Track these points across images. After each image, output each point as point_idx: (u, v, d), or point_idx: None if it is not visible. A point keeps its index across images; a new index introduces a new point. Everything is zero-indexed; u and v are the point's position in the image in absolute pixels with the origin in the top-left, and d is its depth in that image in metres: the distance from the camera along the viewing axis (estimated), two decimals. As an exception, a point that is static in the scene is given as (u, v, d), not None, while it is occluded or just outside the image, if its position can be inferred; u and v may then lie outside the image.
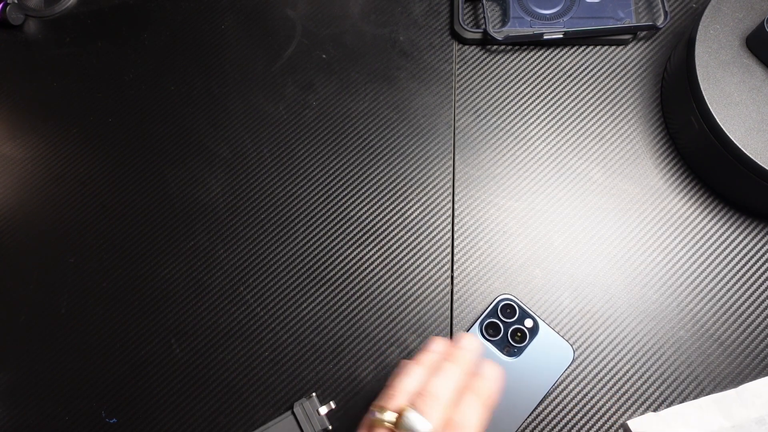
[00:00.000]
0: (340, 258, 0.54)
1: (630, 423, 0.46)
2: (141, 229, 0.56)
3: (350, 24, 0.61)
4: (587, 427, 0.48)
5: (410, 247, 0.54)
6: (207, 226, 0.56)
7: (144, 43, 0.62)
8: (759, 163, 0.46)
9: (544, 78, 0.58)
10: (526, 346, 0.48)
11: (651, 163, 0.55)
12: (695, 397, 0.48)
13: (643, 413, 0.48)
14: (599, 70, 0.58)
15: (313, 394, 0.50)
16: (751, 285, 0.51)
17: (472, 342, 0.39)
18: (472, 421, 0.34)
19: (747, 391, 0.47)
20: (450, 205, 0.55)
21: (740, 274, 0.51)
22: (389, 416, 0.35)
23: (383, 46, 0.60)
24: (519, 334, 0.49)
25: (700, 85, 0.48)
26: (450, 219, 0.54)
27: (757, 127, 0.47)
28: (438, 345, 0.40)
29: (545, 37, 0.56)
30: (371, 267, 0.54)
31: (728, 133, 0.47)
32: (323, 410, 0.49)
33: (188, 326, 0.53)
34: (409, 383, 0.37)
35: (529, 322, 0.49)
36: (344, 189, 0.56)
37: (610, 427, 0.48)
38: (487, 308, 0.50)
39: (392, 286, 0.53)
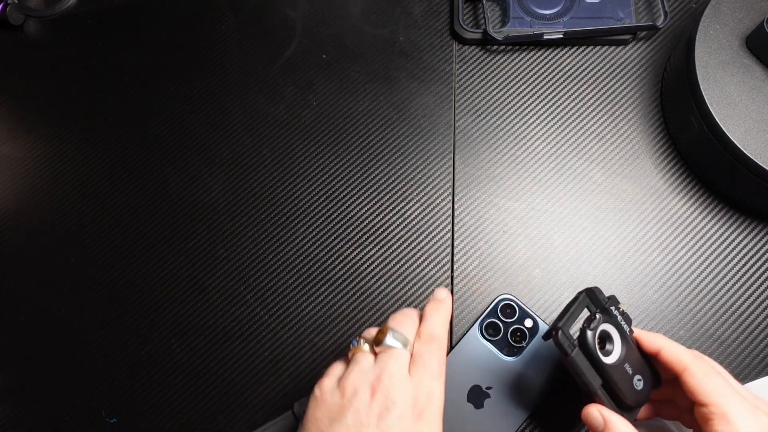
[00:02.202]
0: (340, 258, 0.54)
1: None
2: (141, 229, 0.56)
3: (350, 24, 0.61)
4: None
5: (410, 247, 0.54)
6: (207, 226, 0.56)
7: (144, 43, 0.62)
8: (759, 163, 0.46)
9: (544, 78, 0.58)
10: (525, 346, 0.48)
11: (651, 163, 0.55)
12: (695, 397, 0.48)
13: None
14: (599, 70, 0.58)
15: (313, 394, 0.49)
16: (751, 285, 0.51)
17: (444, 292, 0.42)
18: (442, 331, 0.39)
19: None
20: (450, 205, 0.55)
21: (740, 274, 0.51)
22: (367, 339, 0.39)
23: (383, 46, 0.60)
24: (519, 333, 0.49)
25: (700, 85, 0.48)
26: (450, 219, 0.54)
27: (757, 127, 0.47)
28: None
29: (545, 37, 0.56)
30: (371, 267, 0.54)
31: (728, 133, 0.47)
32: (323, 410, 0.49)
33: (188, 326, 0.53)
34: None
35: (528, 322, 0.49)
36: (344, 189, 0.56)
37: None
38: (487, 308, 0.50)
39: (392, 286, 0.53)
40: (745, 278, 0.51)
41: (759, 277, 0.51)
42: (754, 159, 0.46)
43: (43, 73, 0.62)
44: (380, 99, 0.59)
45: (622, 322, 0.39)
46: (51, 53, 0.63)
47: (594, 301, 0.40)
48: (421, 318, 0.40)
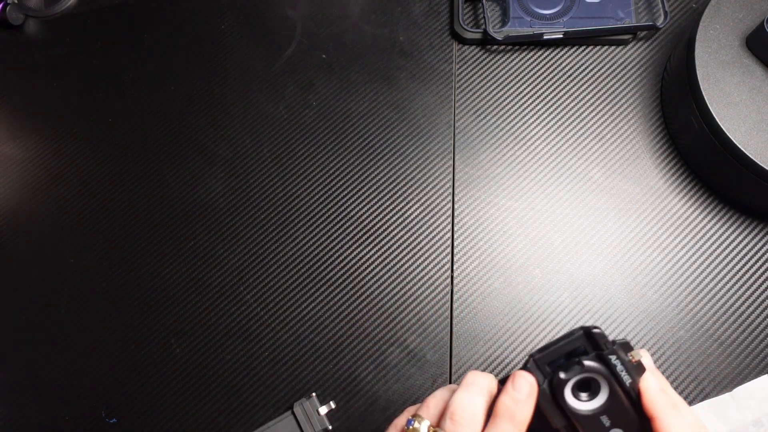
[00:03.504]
0: (340, 258, 0.54)
1: None
2: (141, 229, 0.56)
3: (350, 24, 0.61)
4: None
5: (410, 247, 0.54)
6: (207, 226, 0.56)
7: (144, 43, 0.62)
8: (759, 163, 0.46)
9: (544, 78, 0.58)
10: None
11: (651, 163, 0.55)
12: (695, 398, 0.48)
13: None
14: (599, 70, 0.58)
15: (313, 394, 0.50)
16: (751, 285, 0.51)
17: (528, 388, 0.33)
18: None
19: (741, 394, 0.47)
20: (450, 205, 0.55)
21: (740, 274, 0.51)
22: (425, 428, 0.32)
23: (383, 46, 0.60)
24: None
25: (700, 85, 0.48)
26: (450, 219, 0.54)
27: (757, 127, 0.47)
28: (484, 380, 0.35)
29: (545, 37, 0.56)
30: (371, 267, 0.54)
31: (728, 133, 0.47)
32: (323, 410, 0.49)
33: (188, 326, 0.53)
34: (442, 398, 0.35)
35: None
36: (344, 189, 0.56)
37: (610, 427, 0.48)
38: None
39: (392, 286, 0.53)
40: (745, 278, 0.51)
41: (759, 277, 0.51)
42: (754, 159, 0.46)
43: (43, 73, 0.62)
44: (380, 99, 0.59)
45: (622, 373, 0.34)
46: (51, 53, 0.63)
47: (593, 344, 0.35)
48: (490, 407, 0.32)
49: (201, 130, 0.59)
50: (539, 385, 0.34)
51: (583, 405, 0.34)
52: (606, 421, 0.34)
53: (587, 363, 0.34)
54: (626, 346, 0.35)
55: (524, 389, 0.32)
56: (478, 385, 0.33)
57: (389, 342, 0.52)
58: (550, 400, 0.34)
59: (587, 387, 0.35)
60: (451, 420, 0.32)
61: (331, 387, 0.51)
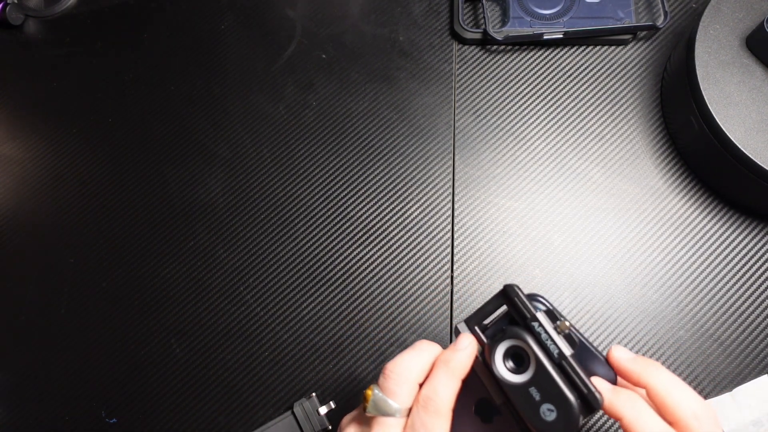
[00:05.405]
0: (340, 258, 0.54)
1: None
2: (141, 229, 0.56)
3: (350, 24, 0.61)
4: (587, 427, 0.48)
5: (410, 247, 0.54)
6: (207, 226, 0.56)
7: (144, 43, 0.62)
8: (759, 163, 0.46)
9: (544, 78, 0.58)
10: None
11: (651, 163, 0.55)
12: (695, 397, 0.48)
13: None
14: (599, 70, 0.58)
15: (313, 394, 0.50)
16: (751, 285, 0.51)
17: (467, 342, 0.36)
18: (444, 394, 0.33)
19: (740, 394, 0.47)
20: (450, 205, 0.55)
21: (740, 274, 0.51)
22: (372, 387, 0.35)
23: (383, 46, 0.60)
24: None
25: (700, 85, 0.48)
26: (450, 219, 0.54)
27: (757, 127, 0.47)
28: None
29: (545, 37, 0.56)
30: (371, 267, 0.54)
31: (728, 133, 0.47)
32: (323, 410, 0.49)
33: (188, 326, 0.53)
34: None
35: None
36: (344, 189, 0.56)
37: (610, 427, 0.48)
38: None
39: (392, 286, 0.53)
40: (745, 278, 0.51)
41: (759, 277, 0.51)
42: (754, 159, 0.46)
43: (43, 73, 0.62)
44: (380, 99, 0.59)
45: (548, 341, 0.33)
46: (51, 53, 0.63)
47: (516, 310, 0.35)
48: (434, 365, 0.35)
49: (201, 130, 0.59)
50: (478, 354, 0.34)
51: (512, 376, 0.34)
52: (536, 393, 0.33)
53: (510, 328, 0.34)
54: (551, 314, 0.35)
55: (463, 343, 0.35)
56: (418, 349, 0.35)
57: (389, 342, 0.52)
58: (487, 373, 0.34)
59: (521, 360, 0.34)
60: (383, 375, 0.34)
61: (331, 387, 0.51)
